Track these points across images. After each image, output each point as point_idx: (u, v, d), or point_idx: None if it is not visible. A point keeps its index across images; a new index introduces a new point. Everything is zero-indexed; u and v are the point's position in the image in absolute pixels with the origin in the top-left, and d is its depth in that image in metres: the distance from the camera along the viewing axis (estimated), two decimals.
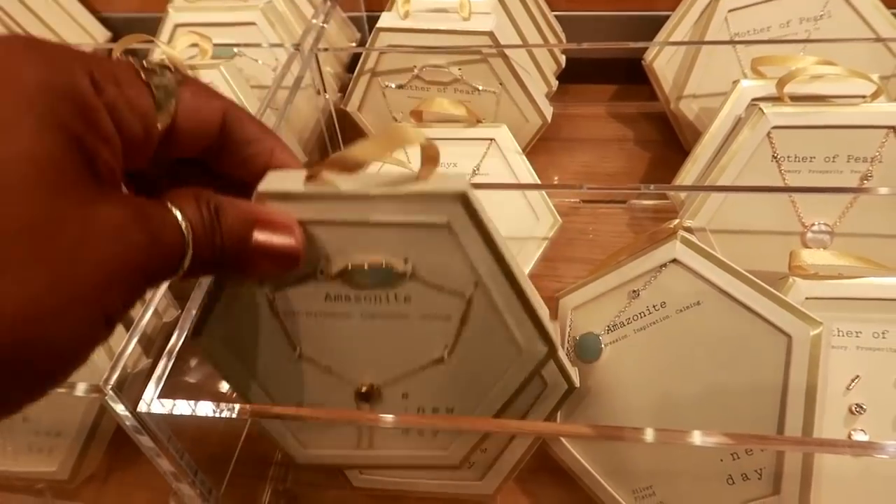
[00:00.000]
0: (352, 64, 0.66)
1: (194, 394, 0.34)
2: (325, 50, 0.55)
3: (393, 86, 0.56)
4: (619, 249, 0.42)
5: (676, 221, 0.44)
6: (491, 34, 0.51)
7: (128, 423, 0.33)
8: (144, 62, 0.23)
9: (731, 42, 0.54)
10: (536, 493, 0.44)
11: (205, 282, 0.32)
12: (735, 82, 0.49)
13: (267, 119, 0.49)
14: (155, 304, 0.37)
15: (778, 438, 0.33)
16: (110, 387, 0.33)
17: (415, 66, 0.55)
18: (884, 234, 0.45)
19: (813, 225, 0.45)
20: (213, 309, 0.32)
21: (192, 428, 0.37)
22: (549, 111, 0.57)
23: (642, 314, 0.39)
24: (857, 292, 0.38)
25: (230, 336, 0.32)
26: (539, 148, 0.62)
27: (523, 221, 0.50)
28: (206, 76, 0.53)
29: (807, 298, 0.37)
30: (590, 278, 0.42)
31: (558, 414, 0.38)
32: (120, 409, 0.33)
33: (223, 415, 0.32)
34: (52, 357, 0.19)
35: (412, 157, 0.53)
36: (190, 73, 0.53)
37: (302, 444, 0.37)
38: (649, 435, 0.30)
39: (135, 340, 0.35)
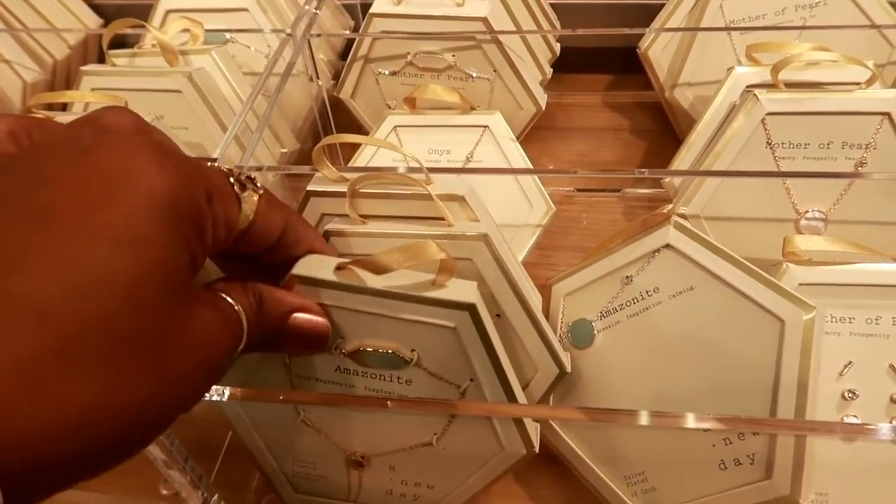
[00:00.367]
0: (345, 51, 0.66)
1: None
2: (318, 36, 0.54)
3: (386, 72, 0.56)
4: (613, 236, 0.42)
5: (670, 207, 0.44)
6: (485, 20, 0.51)
7: None
8: (240, 175, 0.26)
9: (726, 29, 0.54)
10: (531, 480, 0.44)
11: None
12: (730, 69, 0.49)
13: (259, 106, 0.48)
14: None
15: (771, 422, 0.33)
16: None
17: (408, 53, 0.54)
18: (878, 221, 0.45)
19: (807, 212, 0.45)
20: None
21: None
22: (543, 98, 0.56)
23: (635, 300, 0.39)
24: (851, 278, 0.37)
25: (244, 383, 0.35)
26: (533, 136, 0.62)
27: (517, 209, 0.50)
28: (197, 62, 0.52)
29: (800, 284, 0.37)
30: (582, 264, 0.42)
31: (551, 398, 0.38)
32: None
33: (213, 398, 0.32)
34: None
35: (403, 143, 0.53)
36: (181, 58, 0.52)
37: (294, 488, 0.40)
38: (643, 418, 0.30)
39: None
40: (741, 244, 0.41)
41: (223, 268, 0.30)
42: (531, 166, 0.52)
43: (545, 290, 0.44)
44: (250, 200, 0.26)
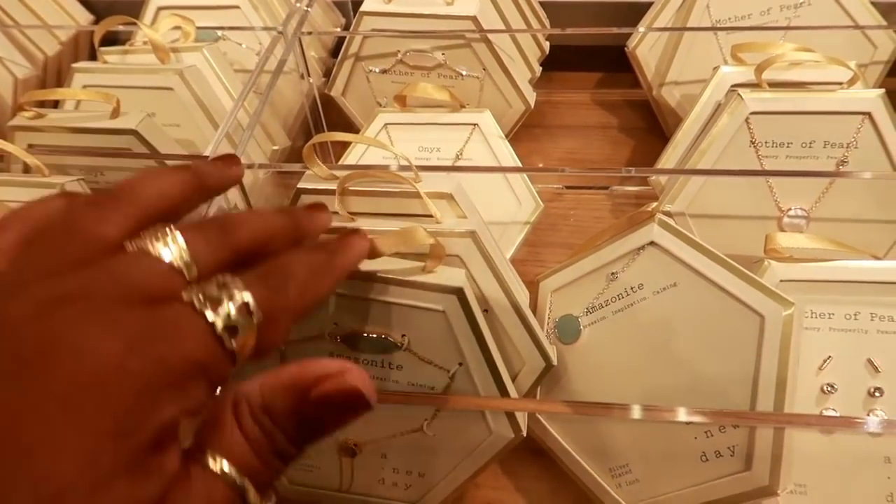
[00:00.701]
0: (336, 49, 0.66)
1: None
2: (309, 34, 0.54)
3: (377, 70, 0.56)
4: (599, 233, 0.43)
5: (654, 205, 0.45)
6: (474, 19, 0.51)
7: None
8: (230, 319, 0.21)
9: (713, 28, 0.54)
10: (517, 472, 0.44)
11: None
12: (715, 68, 0.50)
13: (250, 103, 0.49)
14: None
15: (752, 414, 0.34)
16: None
17: (399, 51, 0.55)
18: (858, 219, 0.45)
19: (789, 209, 0.46)
20: None
21: None
22: (532, 97, 0.57)
23: (620, 296, 0.40)
24: (831, 275, 0.38)
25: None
26: (523, 134, 0.62)
27: (506, 206, 0.51)
28: (188, 59, 0.53)
29: (781, 281, 0.38)
30: (569, 261, 0.43)
31: (538, 392, 0.39)
32: None
33: None
34: None
35: (393, 142, 0.53)
36: (172, 55, 0.53)
37: (287, 479, 0.41)
38: (629, 412, 0.30)
39: None
40: (725, 241, 0.42)
41: None
42: (520, 164, 0.53)
43: (533, 286, 0.45)
44: (248, 334, 0.21)
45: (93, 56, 0.74)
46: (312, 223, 0.28)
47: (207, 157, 0.43)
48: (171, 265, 0.21)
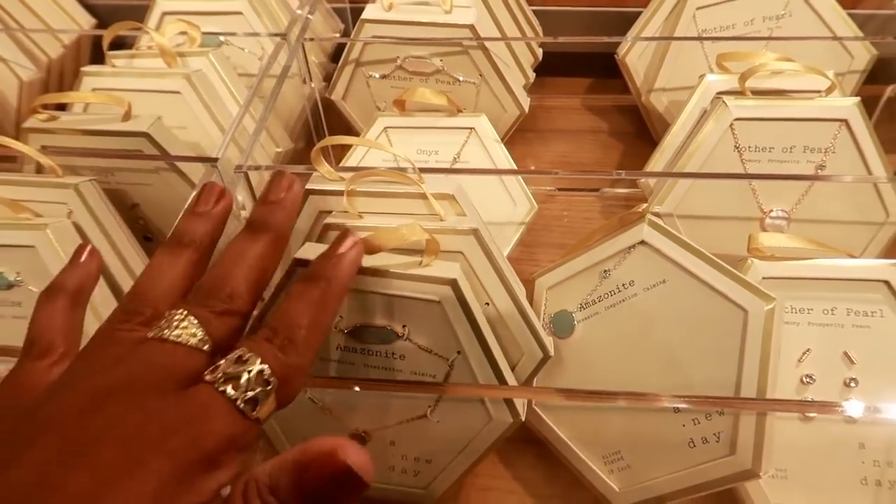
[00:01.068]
0: (336, 53, 0.68)
1: None
2: (311, 40, 0.56)
3: (377, 76, 0.58)
4: (591, 232, 0.45)
5: (644, 206, 0.47)
6: (472, 27, 0.54)
7: None
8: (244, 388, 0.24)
9: (699, 38, 0.57)
10: (513, 462, 0.46)
11: None
12: (701, 76, 0.52)
13: (254, 108, 0.51)
14: None
15: (736, 401, 0.36)
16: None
17: (398, 57, 0.57)
18: (836, 220, 0.48)
19: (771, 211, 0.48)
20: None
21: None
22: (526, 102, 0.59)
23: (612, 292, 0.42)
24: (809, 272, 0.41)
25: None
26: (517, 138, 0.64)
27: (501, 208, 0.53)
28: (194, 63, 0.54)
29: (764, 278, 0.41)
30: (563, 259, 0.45)
31: (534, 382, 0.41)
32: None
33: None
34: None
35: (395, 145, 0.55)
36: (179, 60, 0.54)
37: None
38: (621, 400, 0.33)
39: None
40: (711, 240, 0.44)
41: None
42: (515, 167, 0.55)
43: (529, 284, 0.47)
44: (268, 401, 0.24)
45: (95, 58, 0.75)
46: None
47: (217, 158, 0.45)
48: (190, 347, 0.25)
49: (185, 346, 0.25)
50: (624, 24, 0.67)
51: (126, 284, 0.46)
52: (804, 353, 0.41)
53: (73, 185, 0.45)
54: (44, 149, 0.47)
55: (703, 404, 0.36)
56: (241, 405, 0.24)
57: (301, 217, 0.43)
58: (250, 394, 0.24)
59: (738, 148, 0.48)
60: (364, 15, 0.55)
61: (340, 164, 0.55)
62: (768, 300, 0.37)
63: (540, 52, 0.65)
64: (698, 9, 0.57)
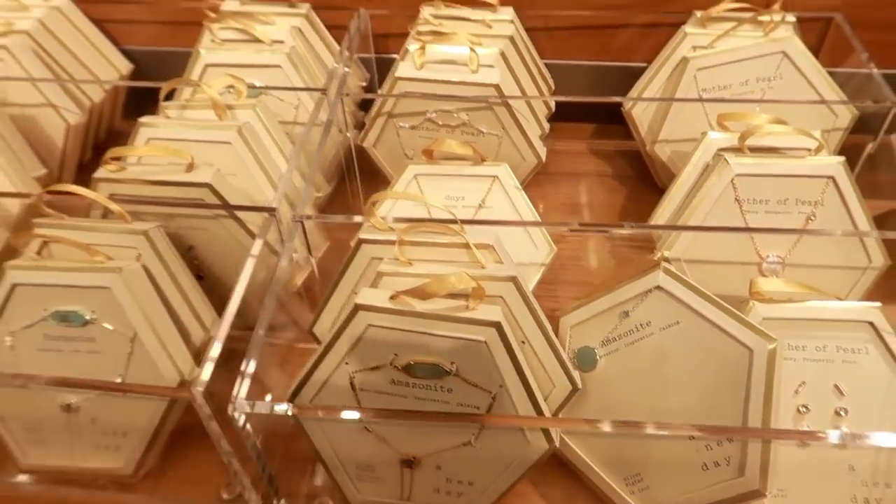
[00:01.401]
0: (364, 101, 0.73)
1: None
2: (348, 95, 0.61)
3: (407, 126, 0.64)
4: (610, 277, 0.50)
5: (659, 255, 0.53)
6: (497, 87, 0.59)
7: (212, 422, 0.40)
8: None
9: (700, 100, 0.63)
10: (537, 479, 0.51)
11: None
12: (703, 134, 0.58)
13: (296, 156, 0.56)
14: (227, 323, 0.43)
15: (744, 430, 0.41)
16: (200, 388, 0.39)
17: (427, 111, 0.62)
18: (824, 265, 0.54)
19: (768, 256, 0.54)
20: (308, 379, 0.43)
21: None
22: (543, 152, 0.65)
23: (631, 331, 0.47)
24: (803, 314, 0.46)
25: (318, 400, 0.43)
26: (530, 181, 0.70)
27: (524, 249, 0.58)
28: (242, 115, 0.59)
29: (764, 319, 0.46)
30: (586, 300, 0.50)
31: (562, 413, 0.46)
32: (207, 409, 0.39)
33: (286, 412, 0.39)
34: None
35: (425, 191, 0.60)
36: (227, 112, 0.59)
37: (357, 490, 0.47)
38: (642, 428, 0.38)
39: (219, 347, 0.41)
40: (714, 282, 0.49)
41: None
42: (535, 211, 0.60)
43: (553, 320, 0.52)
44: None
45: (131, 100, 0.80)
46: None
47: (275, 208, 0.50)
48: None
49: None
50: (627, 76, 0.74)
51: (189, 322, 0.50)
52: (800, 386, 0.46)
53: (143, 232, 0.49)
54: (112, 196, 0.51)
55: (716, 433, 0.41)
56: None
57: (355, 264, 0.48)
58: None
59: (738, 200, 0.54)
60: (398, 73, 0.61)
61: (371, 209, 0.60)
62: (771, 340, 0.42)
63: (553, 103, 0.71)
64: (699, 70, 0.63)
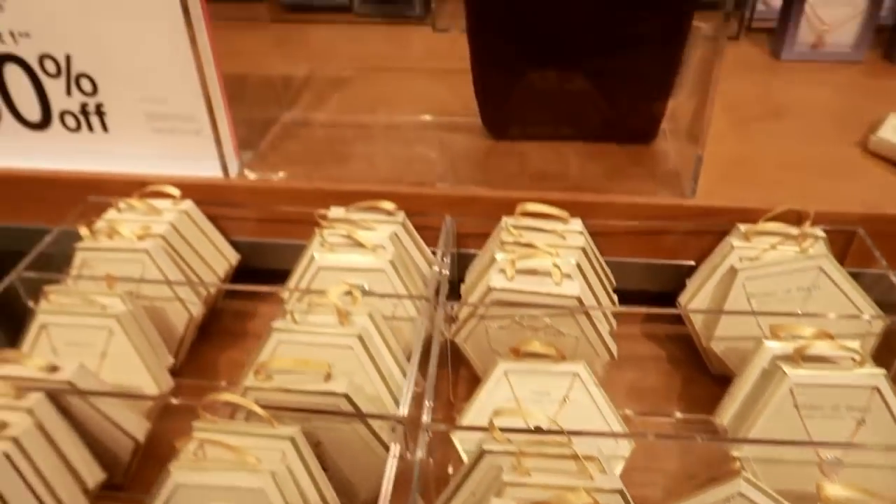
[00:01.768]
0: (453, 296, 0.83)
1: None
2: (448, 300, 0.71)
3: (496, 327, 0.73)
4: (694, 485, 0.58)
5: (738, 464, 0.61)
6: (579, 298, 0.69)
7: None
8: None
9: (751, 313, 0.73)
10: None
11: None
12: (759, 341, 0.67)
13: (413, 369, 0.64)
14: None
15: None
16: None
17: (515, 315, 0.72)
18: (877, 465, 0.61)
19: (827, 457, 0.62)
20: None
21: None
22: (614, 349, 0.74)
23: None
24: None
25: None
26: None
27: (606, 442, 0.65)
28: (358, 320, 0.69)
29: None
30: None
31: None
32: None
33: None
34: None
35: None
36: (346, 320, 0.69)
37: None
38: None
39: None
40: (778, 478, 0.57)
41: None
42: (612, 406, 0.68)
43: None
44: None
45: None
46: None
47: (404, 416, 0.58)
48: None
49: None
50: (675, 272, 0.84)
51: None
52: None
53: (289, 437, 0.57)
54: (256, 401, 0.59)
55: None
56: None
57: (477, 473, 0.55)
58: None
59: (796, 406, 0.62)
60: (491, 283, 0.71)
61: (462, 405, 0.67)
62: None
63: (616, 297, 0.81)
64: (747, 279, 0.73)
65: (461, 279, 0.84)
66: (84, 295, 0.72)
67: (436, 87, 1.16)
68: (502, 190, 0.85)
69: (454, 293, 0.82)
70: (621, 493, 0.51)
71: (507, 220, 0.80)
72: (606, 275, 0.81)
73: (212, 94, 0.86)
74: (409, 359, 0.70)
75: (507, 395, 0.68)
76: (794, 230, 0.77)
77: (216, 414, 0.61)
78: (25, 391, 0.60)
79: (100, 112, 0.93)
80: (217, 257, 0.87)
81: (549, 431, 0.55)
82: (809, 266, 0.73)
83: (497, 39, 0.82)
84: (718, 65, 0.75)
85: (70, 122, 0.95)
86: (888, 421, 0.62)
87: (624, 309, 0.82)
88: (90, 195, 0.89)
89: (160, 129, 0.93)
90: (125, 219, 0.83)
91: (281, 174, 0.91)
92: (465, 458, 0.63)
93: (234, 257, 0.90)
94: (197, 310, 0.79)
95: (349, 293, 0.71)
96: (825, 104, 1.09)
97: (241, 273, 0.92)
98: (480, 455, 0.55)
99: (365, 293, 0.72)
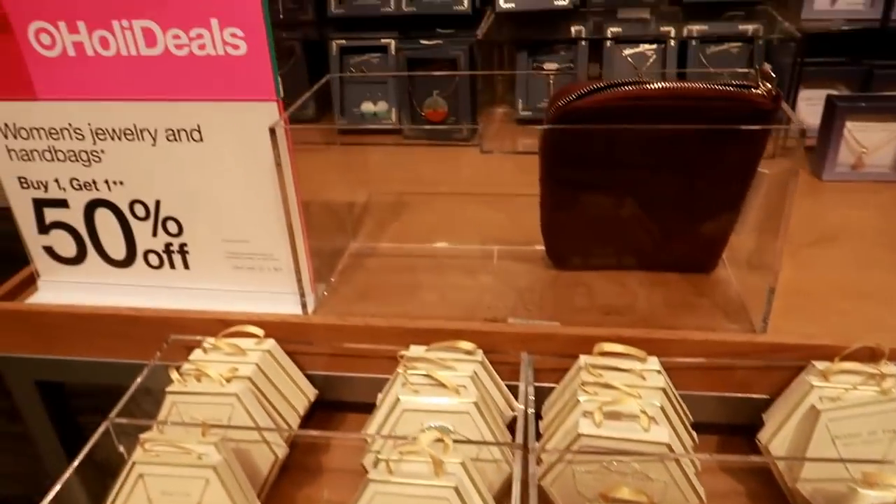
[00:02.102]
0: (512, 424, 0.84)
1: None
2: (536, 447, 0.72)
3: (583, 471, 0.74)
4: None
5: None
6: (668, 445, 0.70)
7: None
8: None
9: (841, 460, 0.73)
10: None
11: None
12: (851, 487, 0.67)
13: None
14: None
15: None
16: None
17: (603, 461, 0.72)
18: None
19: None
20: None
21: None
22: (702, 492, 0.74)
23: None
24: None
25: None
26: None
27: None
28: (451, 467, 0.70)
29: None
30: None
31: None
32: None
33: None
34: None
35: None
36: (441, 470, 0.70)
37: None
38: None
39: None
40: None
41: None
42: None
43: None
44: None
45: (311, 422, 0.92)
46: None
47: None
48: None
49: None
50: (747, 405, 0.85)
51: None
52: None
53: None
54: None
55: None
56: None
57: None
58: None
59: None
60: (580, 430, 0.72)
61: None
62: None
63: (695, 434, 0.82)
64: (830, 420, 0.74)
65: (538, 414, 0.85)
66: (179, 443, 0.74)
67: (491, 212, 1.21)
68: (576, 326, 0.87)
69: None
70: None
71: (585, 360, 0.82)
72: (685, 412, 0.82)
73: (294, 234, 0.91)
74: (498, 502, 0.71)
75: None
76: (871, 369, 0.78)
77: None
78: None
79: (183, 251, 0.98)
80: (297, 394, 0.89)
81: None
82: (893, 409, 0.74)
83: (570, 184, 0.86)
84: (790, 202, 0.79)
85: (153, 260, 0.99)
86: None
87: (718, 457, 0.82)
88: (172, 333, 0.92)
89: (240, 267, 0.97)
90: (211, 360, 0.86)
91: (356, 310, 0.94)
92: None
93: (312, 393, 0.91)
94: (282, 451, 0.81)
95: (441, 440, 0.72)
96: (873, 227, 1.13)
97: (314, 404, 0.93)
98: None
99: (456, 441, 0.74)
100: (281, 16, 1.60)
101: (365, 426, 0.81)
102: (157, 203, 0.95)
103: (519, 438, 0.73)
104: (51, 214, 0.99)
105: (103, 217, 0.97)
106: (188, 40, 0.83)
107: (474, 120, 1.52)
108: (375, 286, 1.02)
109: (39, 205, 0.98)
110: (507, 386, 0.88)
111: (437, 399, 0.79)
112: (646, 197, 0.87)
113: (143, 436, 0.75)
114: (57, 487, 0.72)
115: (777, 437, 0.79)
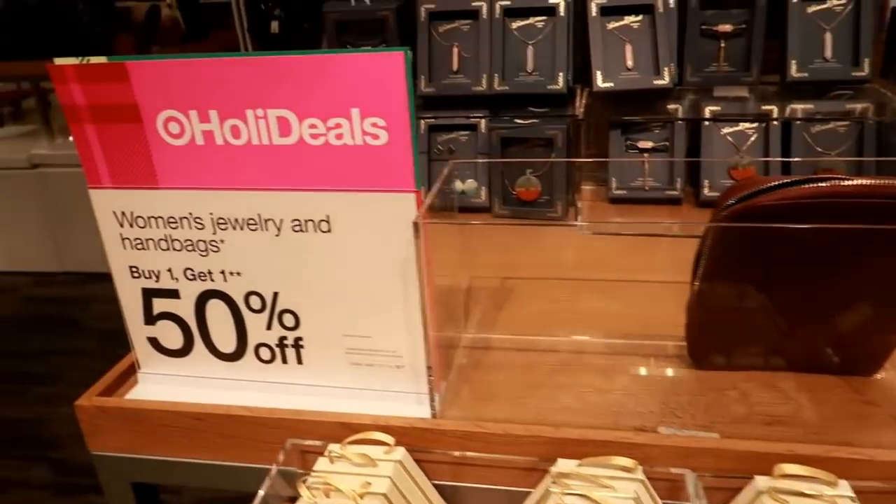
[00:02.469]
0: None
1: None
2: None
3: None
4: None
5: None
6: None
7: None
8: None
9: None
10: None
11: None
12: None
13: None
14: None
15: None
16: None
17: None
18: None
19: None
20: None
21: None
22: None
23: None
24: None
25: None
26: None
27: None
28: None
29: None
30: None
31: None
32: None
33: None
34: None
35: None
36: None
37: None
38: None
39: None
40: None
41: None
42: None
43: None
44: None
45: None
46: None
47: None
48: None
49: None
50: None
51: None
52: None
53: None
54: None
55: None
56: None
57: None
58: None
59: None
60: None
61: None
62: None
63: None
64: None
65: None
66: None
67: (606, 300, 1.14)
68: (738, 440, 0.78)
69: None
70: None
71: (763, 482, 0.73)
72: None
73: (425, 332, 0.85)
74: None
75: None
76: None
77: None
78: None
79: (297, 345, 0.92)
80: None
81: None
82: None
83: (737, 283, 0.79)
84: None
85: (265, 354, 0.94)
86: None
87: None
88: (288, 436, 0.85)
89: (358, 364, 0.91)
90: (339, 471, 0.78)
91: (483, 413, 0.86)
92: None
93: None
94: None
95: None
96: None
97: None
98: None
99: None
100: None
101: None
102: (275, 295, 0.89)
103: None
104: (160, 305, 0.94)
105: (215, 308, 0.92)
106: (325, 130, 0.79)
107: (568, 199, 1.46)
108: (498, 385, 0.94)
109: (149, 295, 0.94)
110: None
111: None
112: (818, 296, 0.79)
113: None
114: None
115: None
